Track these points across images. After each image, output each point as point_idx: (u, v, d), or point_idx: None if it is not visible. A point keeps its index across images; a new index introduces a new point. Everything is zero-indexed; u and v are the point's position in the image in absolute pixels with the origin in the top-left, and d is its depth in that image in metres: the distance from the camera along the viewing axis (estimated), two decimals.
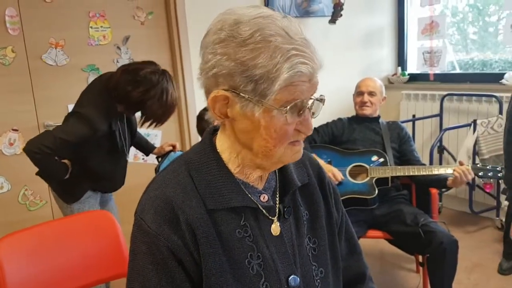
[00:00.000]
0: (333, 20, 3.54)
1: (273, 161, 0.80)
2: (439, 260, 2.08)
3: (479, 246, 3.06)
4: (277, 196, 0.87)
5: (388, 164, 2.38)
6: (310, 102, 0.76)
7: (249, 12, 0.73)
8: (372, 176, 2.36)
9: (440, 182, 2.27)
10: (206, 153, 0.83)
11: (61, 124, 1.91)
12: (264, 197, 0.84)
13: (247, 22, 0.71)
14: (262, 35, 0.70)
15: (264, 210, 0.83)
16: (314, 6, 3.50)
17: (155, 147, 2.43)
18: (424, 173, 2.26)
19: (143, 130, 2.98)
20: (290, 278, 0.82)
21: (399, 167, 2.36)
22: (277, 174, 0.90)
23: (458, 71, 3.89)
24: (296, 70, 0.70)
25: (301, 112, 0.75)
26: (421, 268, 2.45)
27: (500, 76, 3.29)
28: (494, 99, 3.28)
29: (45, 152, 1.78)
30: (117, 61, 2.87)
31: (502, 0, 3.28)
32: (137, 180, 2.76)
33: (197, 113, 3.06)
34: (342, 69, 3.64)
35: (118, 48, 2.87)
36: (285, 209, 0.86)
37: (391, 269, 2.86)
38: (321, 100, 0.79)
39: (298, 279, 0.83)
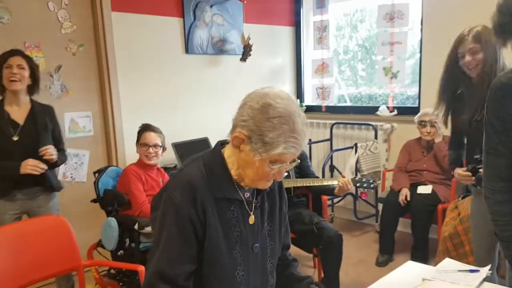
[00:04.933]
0: (243, 59, 4.15)
1: (252, 185, 1.24)
2: (328, 250, 2.66)
3: (362, 246, 3.76)
4: (254, 194, 1.31)
5: (291, 177, 2.93)
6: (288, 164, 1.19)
7: (281, 101, 1.12)
8: None
9: (330, 191, 2.86)
10: (217, 160, 1.24)
11: None
12: (247, 194, 1.28)
13: (276, 108, 1.11)
14: (280, 121, 1.10)
15: (246, 203, 1.27)
16: (227, 45, 4.07)
17: None
18: (317, 184, 2.83)
19: (72, 150, 3.22)
20: (254, 245, 1.29)
21: (299, 179, 2.91)
22: None
23: (348, 103, 4.63)
24: (287, 150, 1.13)
25: (280, 168, 1.18)
26: (317, 263, 2.99)
27: (376, 108, 4.11)
28: (371, 127, 4.05)
29: None
30: (50, 87, 3.10)
31: None
32: (72, 197, 2.99)
33: (124, 135, 3.37)
34: None
35: (51, 75, 3.11)
36: (257, 203, 1.31)
37: None
38: (294, 161, 1.20)
39: (259, 246, 1.30)
